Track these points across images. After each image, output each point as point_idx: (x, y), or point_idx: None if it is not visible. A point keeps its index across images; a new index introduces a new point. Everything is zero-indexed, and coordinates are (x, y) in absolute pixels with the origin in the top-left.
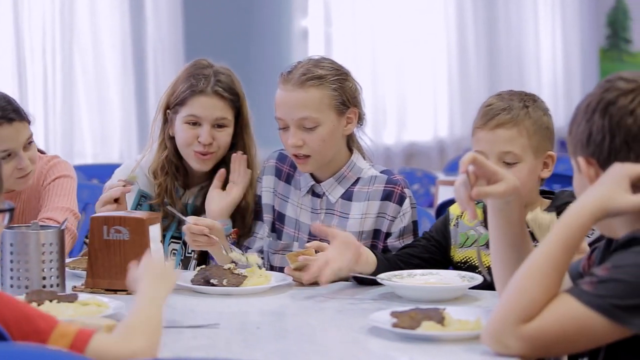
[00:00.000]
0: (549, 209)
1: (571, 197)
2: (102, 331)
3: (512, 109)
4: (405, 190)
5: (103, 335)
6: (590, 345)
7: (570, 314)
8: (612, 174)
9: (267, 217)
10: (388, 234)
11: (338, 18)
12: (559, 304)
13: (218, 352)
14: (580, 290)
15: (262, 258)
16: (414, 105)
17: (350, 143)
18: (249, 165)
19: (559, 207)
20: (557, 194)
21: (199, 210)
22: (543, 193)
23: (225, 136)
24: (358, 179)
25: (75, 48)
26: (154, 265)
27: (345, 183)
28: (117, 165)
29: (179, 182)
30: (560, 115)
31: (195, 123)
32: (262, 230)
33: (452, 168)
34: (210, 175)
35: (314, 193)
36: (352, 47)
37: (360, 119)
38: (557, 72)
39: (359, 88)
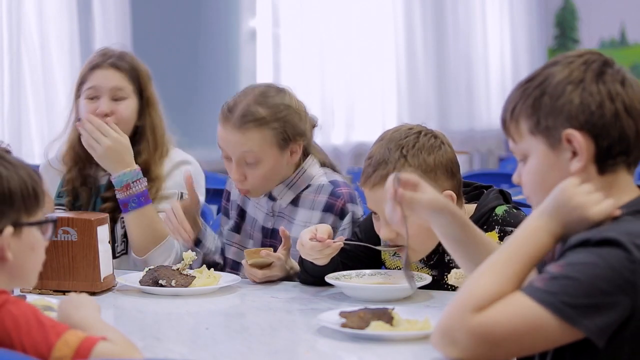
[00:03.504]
0: (474, 217)
1: (495, 201)
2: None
3: (388, 162)
4: (348, 205)
5: (107, 343)
6: (540, 345)
7: (520, 310)
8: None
9: (233, 212)
10: None
11: (286, 19)
12: (510, 300)
13: (166, 352)
14: (532, 288)
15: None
16: (362, 105)
17: (309, 151)
18: (158, 145)
19: (484, 215)
20: (480, 200)
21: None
22: (466, 186)
23: (124, 109)
24: (308, 185)
25: (23, 49)
26: (69, 299)
27: (295, 189)
28: None
29: (89, 163)
30: None
31: (94, 97)
32: (228, 226)
33: None
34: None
35: (270, 196)
36: (300, 47)
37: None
38: (506, 73)
39: (302, 115)
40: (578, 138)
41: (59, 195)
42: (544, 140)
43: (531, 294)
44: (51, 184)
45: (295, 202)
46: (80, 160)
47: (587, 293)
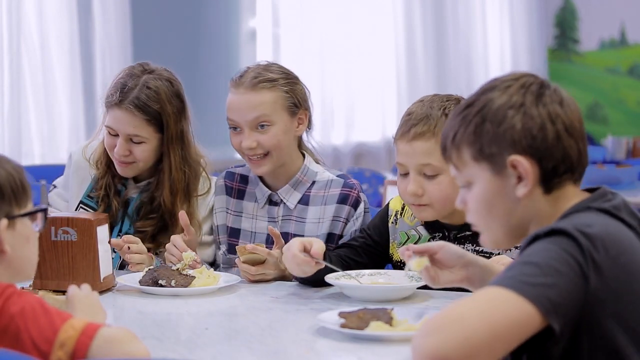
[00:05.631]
0: None
1: None
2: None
3: (430, 118)
4: (361, 194)
5: (111, 327)
6: (502, 324)
7: (483, 295)
8: None
9: (223, 237)
10: (340, 236)
11: (286, 19)
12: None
13: (166, 352)
14: (492, 281)
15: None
16: (362, 105)
17: (301, 146)
18: (176, 186)
19: None
20: None
21: (144, 207)
22: None
23: (142, 152)
24: (313, 182)
25: (23, 49)
26: (83, 297)
27: (301, 188)
28: (64, 166)
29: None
30: None
31: (113, 133)
32: (222, 251)
33: None
34: (156, 170)
35: (271, 202)
36: (300, 47)
37: (309, 122)
38: (506, 73)
39: (307, 92)
40: (523, 163)
41: (88, 196)
42: (488, 167)
43: (491, 283)
44: (83, 180)
45: (304, 201)
46: (112, 166)
47: (544, 272)
